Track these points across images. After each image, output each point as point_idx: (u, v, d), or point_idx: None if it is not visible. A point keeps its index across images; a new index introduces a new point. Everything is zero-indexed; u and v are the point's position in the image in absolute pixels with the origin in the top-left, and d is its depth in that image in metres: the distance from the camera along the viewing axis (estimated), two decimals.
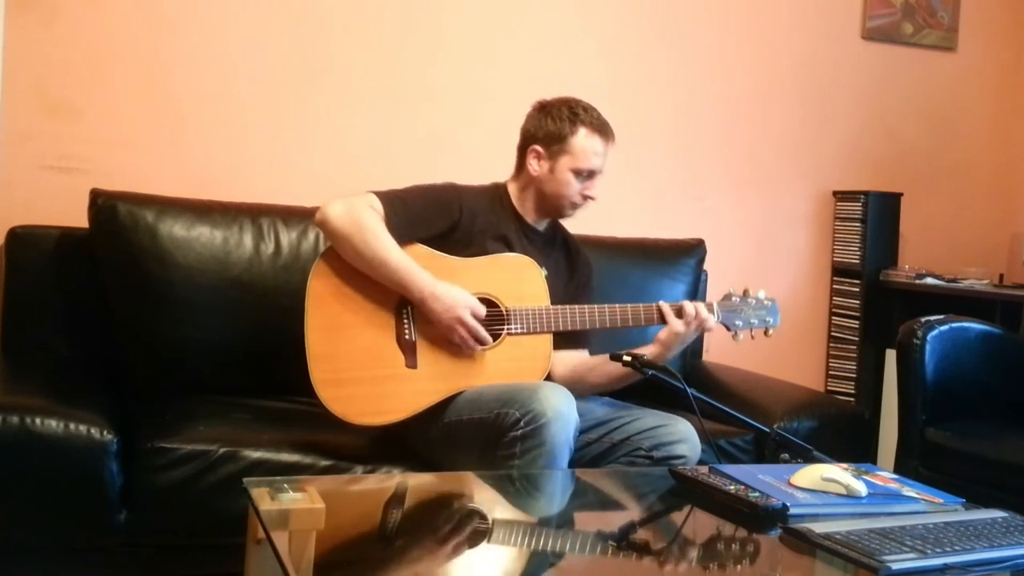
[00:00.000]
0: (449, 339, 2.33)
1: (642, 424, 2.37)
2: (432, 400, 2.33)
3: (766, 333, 2.52)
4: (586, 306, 2.44)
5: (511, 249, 2.47)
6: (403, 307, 2.35)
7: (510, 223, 2.51)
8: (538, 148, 2.48)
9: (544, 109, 2.50)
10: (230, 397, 2.67)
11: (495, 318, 2.39)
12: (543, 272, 2.46)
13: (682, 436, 2.33)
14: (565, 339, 2.51)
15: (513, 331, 2.39)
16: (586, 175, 2.47)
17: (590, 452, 2.37)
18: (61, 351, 2.75)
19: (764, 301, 2.53)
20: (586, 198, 2.50)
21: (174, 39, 3.04)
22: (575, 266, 2.63)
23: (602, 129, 2.47)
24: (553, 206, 2.51)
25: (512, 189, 2.55)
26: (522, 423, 2.16)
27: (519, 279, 2.43)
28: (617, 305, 2.46)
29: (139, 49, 3.01)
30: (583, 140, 2.45)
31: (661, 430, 2.34)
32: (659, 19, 3.62)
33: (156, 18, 3.02)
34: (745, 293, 2.53)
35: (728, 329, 2.50)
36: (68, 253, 2.76)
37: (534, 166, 2.48)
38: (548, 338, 2.42)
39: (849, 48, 3.91)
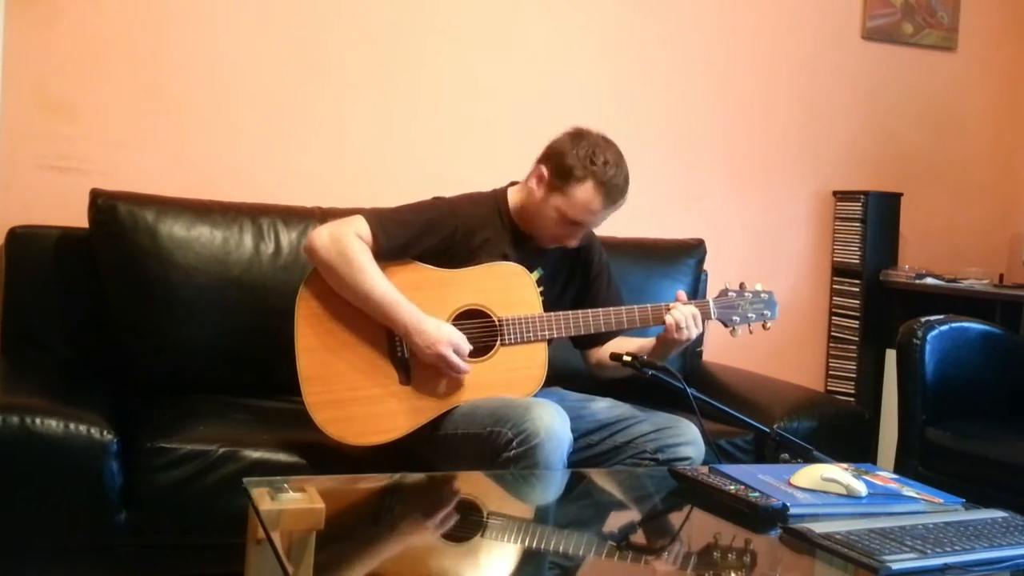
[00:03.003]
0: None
1: (646, 426, 2.36)
2: (428, 416, 2.32)
3: (764, 327, 2.50)
4: (579, 311, 2.42)
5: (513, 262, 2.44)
6: None
7: (506, 235, 2.47)
8: (544, 171, 2.41)
9: (574, 139, 2.40)
10: (230, 397, 2.68)
11: (487, 329, 2.38)
12: (534, 277, 2.43)
13: (687, 438, 2.33)
14: (590, 340, 2.51)
15: (507, 342, 2.37)
16: (571, 222, 2.40)
17: (593, 455, 2.36)
18: (61, 351, 2.75)
19: (761, 294, 2.50)
20: (564, 240, 2.44)
21: (174, 39, 3.04)
22: (576, 267, 2.58)
23: (610, 192, 2.36)
24: (536, 232, 2.46)
25: (512, 196, 2.50)
26: (515, 443, 2.14)
27: (510, 288, 2.40)
28: (611, 309, 2.45)
29: (139, 49, 3.01)
30: (583, 192, 2.36)
31: (665, 432, 2.34)
32: (659, 19, 3.62)
33: (156, 18, 3.02)
34: (741, 287, 2.49)
35: (725, 325, 2.48)
36: (68, 253, 2.76)
37: (532, 184, 2.43)
38: (543, 346, 2.40)
39: (849, 48, 3.91)
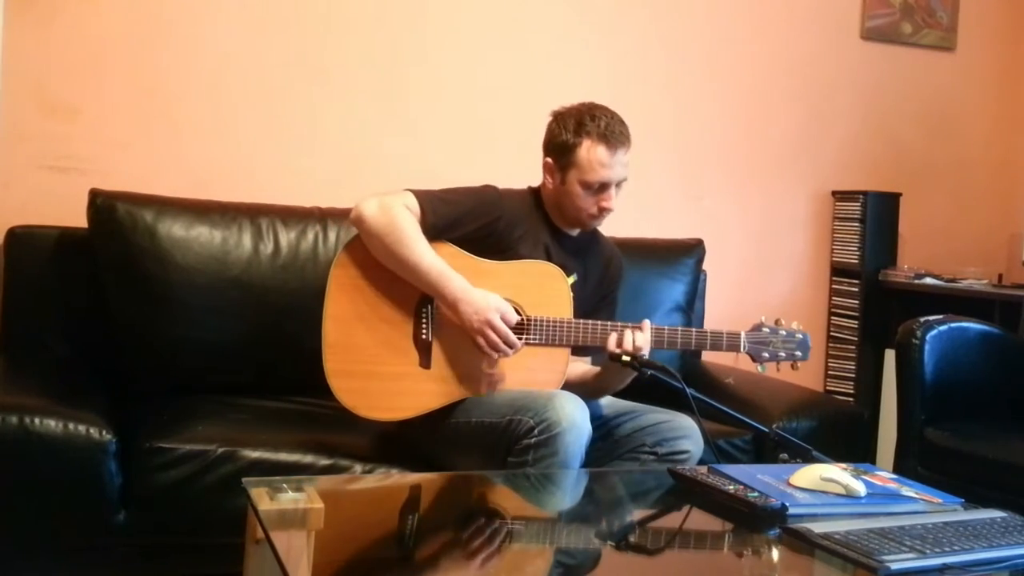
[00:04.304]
0: (476, 344, 2.29)
1: (645, 421, 2.37)
2: (442, 402, 2.33)
3: (793, 367, 2.47)
4: (607, 323, 2.39)
5: (549, 258, 2.44)
6: (423, 306, 2.34)
7: (546, 230, 2.48)
8: (549, 161, 2.44)
9: (556, 120, 2.45)
10: (229, 397, 2.67)
11: (515, 325, 2.37)
12: (570, 282, 2.43)
13: (685, 432, 2.34)
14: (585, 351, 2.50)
15: (531, 341, 2.36)
16: (597, 187, 2.40)
17: (593, 449, 2.36)
18: (60, 351, 2.75)
19: (796, 334, 2.46)
20: (602, 210, 2.44)
21: (172, 39, 3.04)
22: (604, 278, 2.59)
23: (609, 138, 2.38)
24: (572, 217, 2.47)
25: (543, 194, 2.52)
26: (536, 431, 2.15)
27: (544, 288, 2.39)
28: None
29: (137, 49, 3.01)
30: (587, 152, 2.38)
31: (664, 426, 2.35)
32: (658, 19, 3.62)
33: (154, 18, 3.02)
34: (777, 323, 2.47)
35: (754, 360, 2.45)
36: (67, 253, 2.76)
37: (548, 180, 2.46)
38: (565, 351, 2.39)
39: (848, 48, 3.91)
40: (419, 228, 2.30)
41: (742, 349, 2.45)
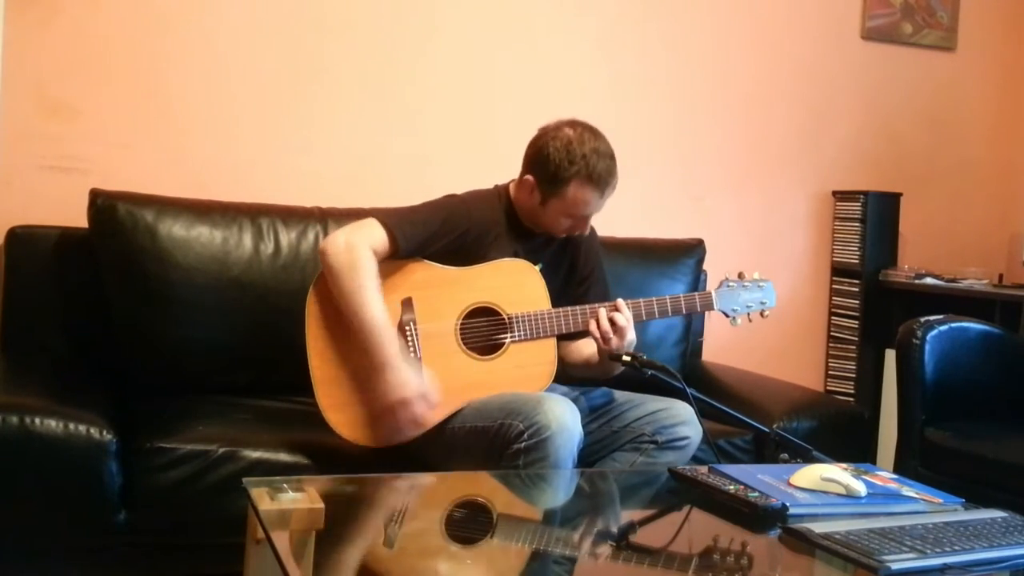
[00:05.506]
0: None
1: (641, 410, 2.39)
2: (440, 416, 2.32)
3: (763, 315, 2.54)
4: (587, 307, 2.42)
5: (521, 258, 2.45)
6: (404, 325, 2.34)
7: (514, 232, 2.48)
8: (530, 179, 2.41)
9: (548, 143, 2.39)
10: (229, 397, 2.68)
11: (497, 326, 2.38)
12: (539, 269, 2.44)
13: (684, 418, 2.35)
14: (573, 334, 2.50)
15: (516, 339, 2.37)
16: (577, 217, 2.43)
17: (593, 442, 2.36)
18: (61, 351, 2.75)
19: (759, 283, 2.54)
20: (576, 232, 2.47)
21: (173, 39, 3.04)
22: (577, 260, 2.58)
23: (599, 182, 2.36)
24: (544, 228, 2.47)
25: (513, 194, 2.51)
26: (526, 435, 2.15)
27: (519, 284, 2.41)
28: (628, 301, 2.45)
29: (138, 49, 3.01)
30: (575, 191, 2.37)
31: (661, 414, 2.36)
32: (659, 19, 3.62)
33: (155, 18, 3.02)
34: (740, 276, 2.54)
35: (726, 316, 2.51)
36: (68, 253, 2.76)
37: (524, 194, 2.44)
38: (552, 342, 2.40)
39: (848, 48, 3.91)
40: (376, 275, 2.27)
41: (715, 307, 2.51)
